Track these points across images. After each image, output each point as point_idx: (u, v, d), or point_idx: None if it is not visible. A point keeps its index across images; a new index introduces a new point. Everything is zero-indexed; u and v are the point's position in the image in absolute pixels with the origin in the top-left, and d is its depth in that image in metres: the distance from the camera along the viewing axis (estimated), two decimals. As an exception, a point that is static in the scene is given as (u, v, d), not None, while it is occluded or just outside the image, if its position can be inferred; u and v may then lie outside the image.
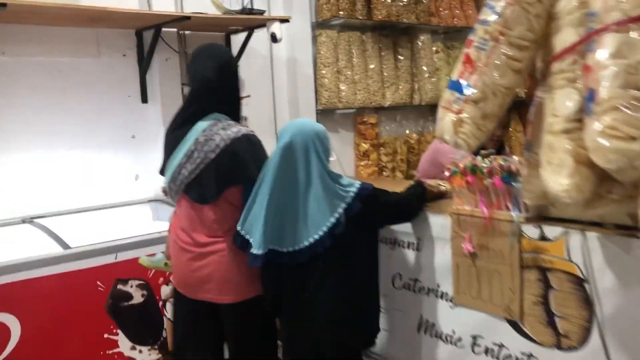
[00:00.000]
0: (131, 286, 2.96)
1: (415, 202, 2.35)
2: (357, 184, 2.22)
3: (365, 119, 4.49)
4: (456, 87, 1.68)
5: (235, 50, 3.98)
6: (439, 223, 2.30)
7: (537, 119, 1.68)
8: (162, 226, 3.41)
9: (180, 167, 2.29)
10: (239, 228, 2.24)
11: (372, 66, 4.49)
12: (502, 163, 2.04)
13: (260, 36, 3.97)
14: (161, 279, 3.06)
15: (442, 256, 2.30)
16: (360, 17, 4.36)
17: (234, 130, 2.25)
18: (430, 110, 4.98)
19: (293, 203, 2.18)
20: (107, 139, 3.61)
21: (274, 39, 3.63)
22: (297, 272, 2.20)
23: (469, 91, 1.67)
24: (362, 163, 4.51)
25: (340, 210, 2.15)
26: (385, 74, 4.58)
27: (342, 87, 4.33)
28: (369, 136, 4.49)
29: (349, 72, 4.37)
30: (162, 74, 3.68)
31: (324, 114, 4.38)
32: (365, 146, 4.49)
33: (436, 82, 4.75)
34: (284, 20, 3.71)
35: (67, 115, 3.45)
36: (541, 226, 1.95)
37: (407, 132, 4.78)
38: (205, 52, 2.40)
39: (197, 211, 2.32)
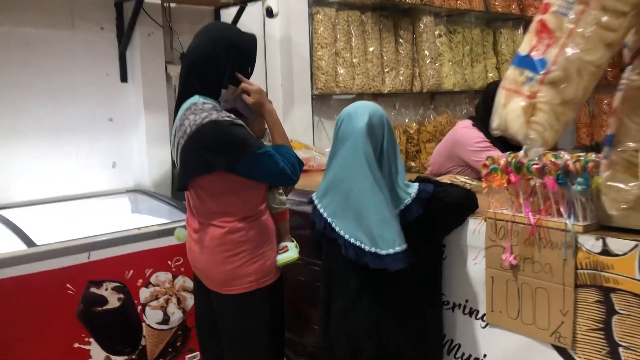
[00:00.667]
0: (106, 289, 2.57)
1: (474, 198, 2.00)
2: (415, 185, 1.91)
3: (362, 106, 4.10)
4: (527, 63, 1.30)
5: (225, 27, 3.56)
6: (470, 228, 1.93)
7: (627, 107, 1.31)
8: (142, 220, 3.03)
9: (174, 150, 2.15)
10: (347, 237, 1.89)
11: (371, 49, 4.10)
12: (555, 160, 1.67)
13: (252, 11, 3.56)
14: (140, 281, 2.67)
15: (472, 267, 1.93)
16: (360, -5, 3.96)
17: (202, 115, 1.97)
18: (431, 97, 4.61)
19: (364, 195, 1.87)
20: (81, 122, 3.19)
21: (269, 13, 3.23)
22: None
23: (545, 69, 1.29)
24: (359, 153, 4.12)
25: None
26: (385, 57, 4.20)
27: (340, 71, 3.93)
28: (367, 124, 4.10)
29: (348, 55, 3.97)
30: (144, 51, 3.26)
31: (320, 99, 3.98)
32: (363, 135, 4.09)
33: (438, 67, 4.38)
34: (281, -7, 3.30)
35: (35, 95, 3.02)
36: (604, 238, 1.59)
37: (407, 120, 4.40)
38: (203, 29, 2.16)
39: (188, 195, 2.19)
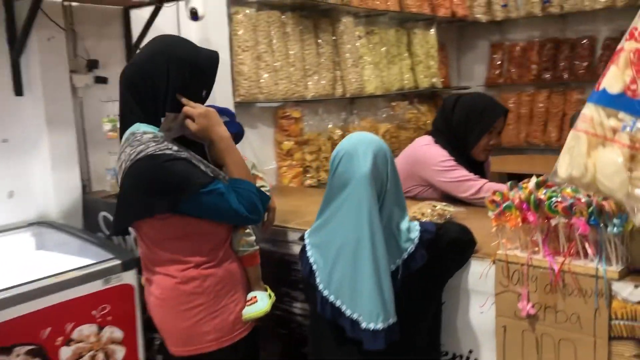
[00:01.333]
0: (17, 355, 2.07)
1: (470, 232, 1.78)
2: (416, 226, 1.65)
3: (288, 113, 3.77)
4: (623, 104, 1.07)
5: (137, 30, 3.07)
6: (474, 271, 1.69)
7: None
8: (50, 258, 2.52)
9: None
10: (326, 293, 1.61)
11: (293, 52, 3.77)
12: (580, 197, 1.46)
13: (167, 12, 3.10)
14: (60, 339, 2.19)
15: (478, 315, 1.71)
16: (279, -6, 3.61)
17: (138, 149, 1.65)
18: (352, 102, 4.37)
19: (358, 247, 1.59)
20: (-33, 145, 2.60)
21: (194, 15, 2.80)
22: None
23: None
24: (285, 163, 3.79)
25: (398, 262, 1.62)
26: (306, 61, 3.89)
27: (264, 76, 3.57)
28: (292, 132, 3.79)
29: (270, 58, 3.62)
30: (43, 58, 2.70)
31: (243, 107, 3.60)
32: (289, 144, 3.77)
33: (360, 71, 4.14)
34: (207, -6, 2.88)
35: None
36: (644, 286, 1.41)
37: (330, 126, 4.13)
38: (147, 43, 1.83)
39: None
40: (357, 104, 4.42)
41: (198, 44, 3.21)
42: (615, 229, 1.40)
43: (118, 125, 1.93)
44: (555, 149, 5.22)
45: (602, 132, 1.14)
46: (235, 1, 3.49)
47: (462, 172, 2.45)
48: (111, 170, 2.79)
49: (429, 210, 1.98)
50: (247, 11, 3.49)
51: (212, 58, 1.79)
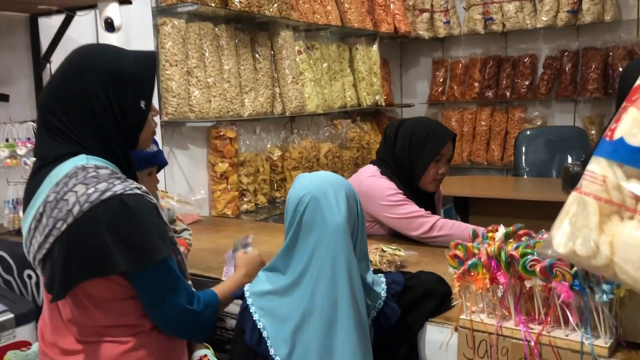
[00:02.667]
0: None
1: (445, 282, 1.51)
2: (380, 278, 1.37)
3: (222, 133, 3.40)
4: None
5: (46, 42, 2.65)
6: (434, 340, 1.38)
7: None
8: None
9: (30, 236, 1.33)
10: None
11: (227, 67, 3.41)
12: (546, 251, 1.17)
13: (83, 21, 2.69)
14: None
15: (437, 388, 1.39)
16: (212, 4, 3.24)
17: (99, 187, 1.26)
18: (292, 121, 4.04)
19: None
20: None
21: (109, 26, 2.40)
22: None
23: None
24: (219, 188, 3.41)
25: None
26: (242, 77, 3.53)
27: (195, 93, 3.20)
28: (227, 154, 3.41)
29: (201, 74, 3.25)
30: None
31: (171, 127, 3.22)
32: (223, 166, 3.40)
33: (300, 88, 3.81)
34: (125, 1, 2.48)
35: None
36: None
37: (269, 146, 3.78)
38: (68, 56, 1.40)
39: (56, 303, 1.38)
40: (298, 123, 4.10)
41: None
42: (604, 296, 1.12)
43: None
44: (498, 168, 5.05)
45: (619, 198, 0.85)
46: (162, 11, 3.11)
47: (412, 208, 2.15)
48: (9, 203, 2.34)
49: (378, 257, 1.67)
50: (176, 22, 3.11)
51: (146, 60, 1.40)
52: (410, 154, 2.22)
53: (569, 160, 4.06)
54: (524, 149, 4.25)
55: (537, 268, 1.18)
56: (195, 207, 2.67)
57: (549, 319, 1.23)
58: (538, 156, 4.25)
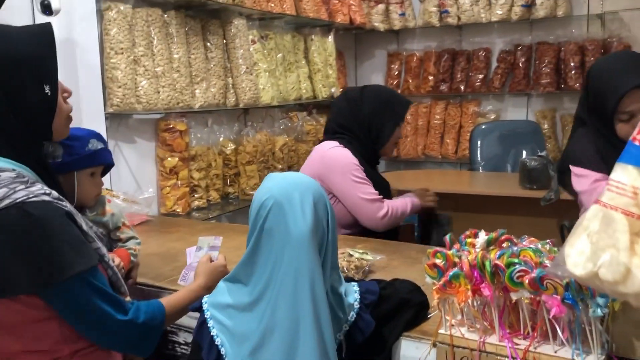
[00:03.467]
0: None
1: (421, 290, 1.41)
2: (353, 286, 1.26)
3: (171, 125, 3.20)
4: None
5: (-26, 23, 2.39)
6: (410, 356, 1.26)
7: None
8: None
9: None
10: None
11: (177, 55, 3.21)
12: (556, 271, 1.06)
13: (19, 4, 2.44)
14: None
15: (413, 408, 1.27)
16: (161, -10, 3.04)
17: None
18: (245, 113, 3.87)
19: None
20: None
21: (46, 9, 2.18)
22: None
23: None
24: (168, 184, 3.21)
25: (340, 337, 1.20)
26: (193, 66, 3.33)
27: (142, 83, 2.98)
28: (177, 147, 3.21)
29: (149, 63, 3.04)
30: None
31: (116, 119, 3.00)
32: (172, 161, 3.20)
33: (255, 78, 3.64)
34: (64, -18, 2.25)
35: None
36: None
37: (221, 139, 3.60)
38: None
39: None
40: (252, 115, 3.92)
41: (59, 45, 2.64)
42: (599, 310, 1.02)
43: None
44: (452, 162, 5.02)
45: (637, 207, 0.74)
46: (106, -5, 2.88)
47: (371, 190, 2.12)
48: None
49: (345, 263, 1.54)
50: (122, 7, 2.89)
51: (42, 36, 1.21)
52: (381, 115, 2.27)
53: (524, 154, 4.04)
54: (479, 143, 4.21)
55: (526, 280, 1.07)
56: (143, 207, 2.48)
57: (536, 334, 1.13)
58: (493, 150, 4.22)
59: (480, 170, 4.17)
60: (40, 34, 1.22)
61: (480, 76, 4.81)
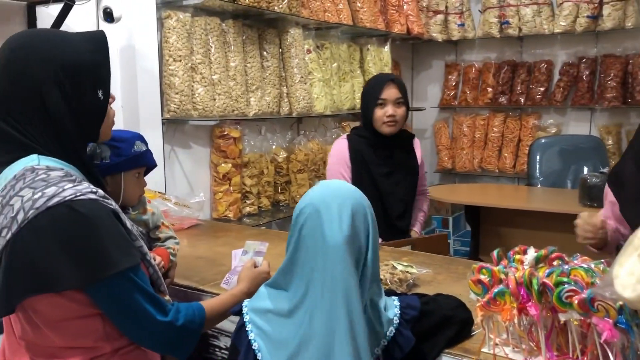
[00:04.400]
0: None
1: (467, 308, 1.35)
2: (393, 301, 1.21)
3: (226, 132, 3.25)
4: None
5: (43, 30, 2.50)
6: (451, 373, 1.22)
7: None
8: None
9: None
10: None
11: (234, 64, 3.26)
12: (604, 291, 1.01)
13: (84, 10, 2.54)
14: None
15: None
16: (220, -1, 3.10)
17: (47, 192, 1.11)
18: (298, 122, 3.89)
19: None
20: None
21: (108, 17, 2.26)
22: None
23: None
24: (221, 189, 3.27)
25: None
26: (249, 75, 3.38)
27: (198, 90, 3.05)
28: (230, 154, 3.26)
29: (206, 70, 3.10)
30: None
31: (173, 124, 3.07)
32: (226, 167, 3.25)
33: (309, 88, 3.66)
34: (126, -9, 2.34)
35: None
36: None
37: (274, 147, 3.63)
38: (10, 44, 1.22)
39: (9, 318, 1.25)
40: (305, 124, 3.94)
41: (120, 51, 2.73)
42: (654, 336, 0.96)
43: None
44: (509, 176, 4.89)
45: None
46: (167, 3, 2.96)
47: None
48: None
49: (388, 275, 1.51)
50: (181, 15, 2.96)
51: (97, 43, 1.25)
52: (363, 102, 2.60)
53: (585, 170, 3.88)
54: (538, 157, 4.08)
55: (575, 300, 1.02)
56: (194, 211, 2.52)
57: (585, 359, 1.07)
58: (552, 165, 4.08)
59: (539, 186, 4.04)
60: (96, 41, 1.26)
61: (542, 89, 4.67)
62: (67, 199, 1.09)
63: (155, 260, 1.44)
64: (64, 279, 1.10)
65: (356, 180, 2.48)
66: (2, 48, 1.19)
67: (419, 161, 2.67)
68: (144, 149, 1.61)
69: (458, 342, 1.25)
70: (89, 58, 1.23)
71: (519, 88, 4.76)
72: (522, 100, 4.74)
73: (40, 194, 1.09)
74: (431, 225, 4.88)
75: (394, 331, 1.18)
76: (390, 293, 1.29)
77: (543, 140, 4.18)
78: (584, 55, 4.50)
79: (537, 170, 4.06)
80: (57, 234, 1.09)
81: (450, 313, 1.26)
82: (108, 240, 1.12)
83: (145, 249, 1.24)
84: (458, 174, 5.14)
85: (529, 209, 3.41)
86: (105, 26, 2.39)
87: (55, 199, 1.09)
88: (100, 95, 1.24)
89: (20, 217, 1.08)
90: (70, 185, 1.12)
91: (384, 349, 1.17)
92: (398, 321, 1.18)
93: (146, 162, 1.62)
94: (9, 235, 1.08)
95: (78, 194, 1.11)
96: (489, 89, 4.87)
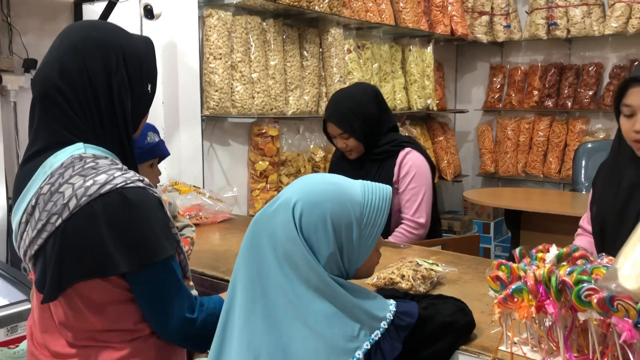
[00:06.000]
0: None
1: (469, 312, 1.26)
2: (391, 305, 1.12)
3: (264, 130, 3.29)
4: None
5: (88, 27, 2.59)
6: (467, 372, 1.20)
7: None
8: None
9: (21, 230, 1.19)
10: None
11: (273, 63, 3.30)
12: (608, 284, 0.97)
13: (127, 8, 2.63)
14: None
15: None
16: (262, -2, 3.14)
17: (98, 179, 1.13)
18: (337, 120, 3.89)
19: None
20: None
21: (148, 13, 2.33)
22: None
23: None
24: (258, 186, 3.31)
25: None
26: (288, 74, 3.42)
27: (237, 88, 3.10)
28: (268, 152, 3.30)
29: (246, 69, 3.15)
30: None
31: (212, 121, 3.13)
32: (263, 164, 3.29)
33: (348, 87, 3.66)
34: (167, -11, 2.40)
35: None
36: None
37: (312, 146, 3.65)
38: (66, 33, 1.23)
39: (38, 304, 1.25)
40: (343, 124, 3.94)
41: (162, 48, 2.79)
42: (678, 338, 0.92)
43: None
44: (554, 182, 4.76)
45: None
46: (208, 2, 3.03)
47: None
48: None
49: (411, 272, 1.50)
50: (222, 14, 3.02)
51: (147, 41, 1.30)
52: None
53: (634, 177, 3.75)
54: (583, 162, 3.96)
55: (594, 299, 0.99)
56: (227, 205, 2.56)
57: (605, 359, 1.04)
58: (599, 171, 3.95)
59: (584, 192, 3.92)
60: (146, 39, 1.31)
61: (590, 92, 4.54)
62: (118, 186, 1.12)
63: (184, 247, 1.47)
64: (116, 265, 1.12)
65: None
66: (66, 34, 1.23)
67: (395, 177, 2.32)
68: (157, 139, 1.64)
69: (457, 348, 1.21)
70: (145, 51, 1.27)
71: (566, 91, 4.64)
72: (570, 104, 4.62)
73: (91, 181, 1.11)
74: (471, 230, 4.81)
75: (379, 335, 1.08)
76: (389, 296, 1.18)
77: (589, 145, 4.06)
78: (636, 58, 4.35)
79: (582, 176, 3.94)
80: (110, 220, 1.12)
81: (448, 319, 1.18)
82: (155, 228, 1.16)
83: (178, 237, 1.27)
84: (501, 178, 5.04)
85: (570, 214, 3.31)
86: (147, 23, 2.47)
87: (108, 187, 1.11)
88: (149, 88, 1.27)
89: (72, 203, 1.11)
90: (120, 173, 1.14)
91: (366, 352, 1.06)
92: (385, 327, 1.09)
93: (160, 153, 1.65)
94: (59, 221, 1.11)
95: (128, 182, 1.13)
96: (535, 92, 4.77)
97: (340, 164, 2.46)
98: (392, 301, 1.13)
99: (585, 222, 1.84)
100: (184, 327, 1.22)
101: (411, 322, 1.11)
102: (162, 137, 1.74)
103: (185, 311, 1.21)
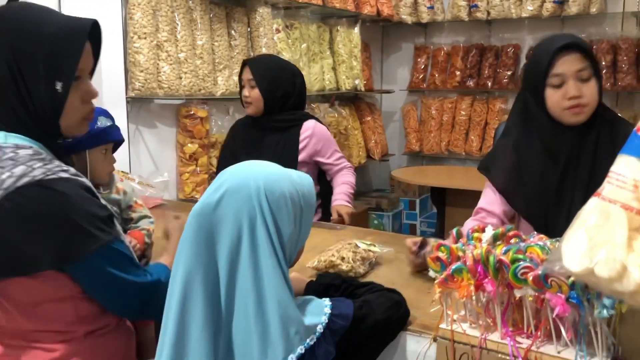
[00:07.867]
0: None
1: (403, 303, 1.28)
2: (326, 308, 1.09)
3: (192, 112, 3.21)
4: None
5: None
6: (411, 350, 1.23)
7: None
8: None
9: None
10: None
11: (201, 42, 3.21)
12: (553, 266, 1.03)
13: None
14: None
15: (412, 403, 1.25)
16: (187, -24, 3.04)
17: (15, 171, 1.06)
18: (267, 101, 3.85)
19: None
20: None
21: (69, -10, 2.19)
22: None
23: None
24: (188, 170, 3.23)
25: None
26: (216, 53, 3.34)
27: (164, 68, 2.99)
28: (197, 134, 3.22)
29: (172, 48, 3.04)
30: None
31: (137, 103, 3.01)
32: (192, 147, 3.21)
33: (277, 68, 3.62)
34: (87, -36, 2.26)
35: None
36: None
37: (242, 128, 3.59)
38: None
39: None
40: (273, 104, 3.90)
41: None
42: (605, 311, 0.98)
43: None
44: (476, 159, 4.94)
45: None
46: (131, -21, 2.89)
47: None
48: None
49: (351, 254, 1.51)
50: (146, -8, 2.90)
51: (74, 30, 1.14)
52: None
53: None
54: (503, 140, 4.13)
55: (530, 277, 1.04)
56: (158, 190, 2.49)
57: (539, 333, 1.09)
58: (517, 148, 4.13)
59: (504, 169, 4.09)
60: (74, 27, 1.15)
61: (508, 73, 4.72)
62: (37, 178, 1.05)
63: (131, 243, 1.41)
64: (41, 261, 1.06)
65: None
66: None
67: (301, 145, 2.48)
68: (108, 123, 1.57)
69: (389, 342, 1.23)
70: (53, 45, 1.12)
71: (486, 72, 4.80)
72: (489, 84, 4.79)
73: (8, 173, 1.04)
74: (398, 207, 4.92)
75: (315, 339, 1.05)
76: (328, 295, 1.19)
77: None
78: (550, 40, 4.55)
79: (503, 153, 4.11)
80: (28, 214, 1.05)
81: (382, 317, 1.18)
82: (81, 219, 1.09)
83: (120, 230, 1.21)
84: (426, 156, 5.18)
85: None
86: (65, 1, 2.32)
87: (25, 179, 1.04)
88: (58, 87, 1.13)
89: None
90: (40, 164, 1.07)
91: (300, 357, 1.03)
92: (321, 331, 1.06)
93: (112, 138, 1.58)
94: None
95: (49, 173, 1.06)
96: (457, 72, 4.91)
97: (243, 130, 2.63)
98: (327, 302, 1.11)
99: (490, 204, 1.76)
100: (142, 292, 1.19)
101: (344, 325, 1.09)
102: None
103: (137, 278, 1.19)
